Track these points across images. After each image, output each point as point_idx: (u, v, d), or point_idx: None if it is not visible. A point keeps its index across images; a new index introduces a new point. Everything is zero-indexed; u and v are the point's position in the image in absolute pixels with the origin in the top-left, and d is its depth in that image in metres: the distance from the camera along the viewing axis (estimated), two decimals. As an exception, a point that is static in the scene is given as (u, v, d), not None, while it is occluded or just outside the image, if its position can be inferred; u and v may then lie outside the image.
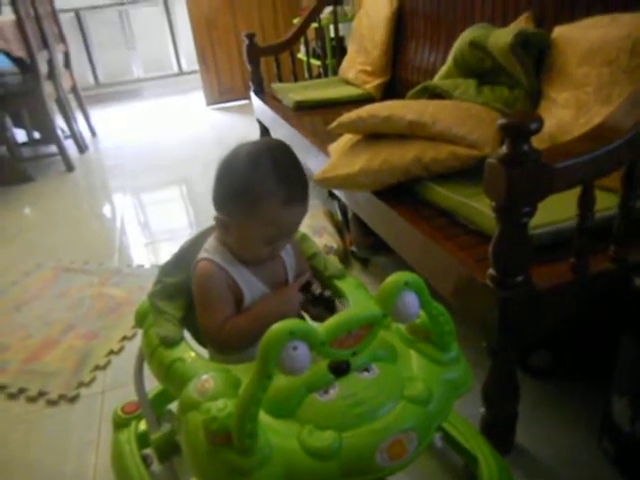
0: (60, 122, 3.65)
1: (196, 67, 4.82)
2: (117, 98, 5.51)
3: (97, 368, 1.54)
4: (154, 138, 4.04)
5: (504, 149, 0.84)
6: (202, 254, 0.93)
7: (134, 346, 1.58)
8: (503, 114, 1.42)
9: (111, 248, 2.29)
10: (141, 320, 0.99)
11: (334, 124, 1.52)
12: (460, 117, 1.38)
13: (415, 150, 1.35)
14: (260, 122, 2.91)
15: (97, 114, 4.65)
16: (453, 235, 1.19)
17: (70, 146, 3.68)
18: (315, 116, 2.34)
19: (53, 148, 3.44)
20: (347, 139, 1.55)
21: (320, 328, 0.64)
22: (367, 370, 0.72)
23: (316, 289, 0.91)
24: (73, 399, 1.43)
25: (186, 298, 0.97)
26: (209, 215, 0.93)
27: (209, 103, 4.79)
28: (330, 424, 0.66)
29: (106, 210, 2.87)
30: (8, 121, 3.57)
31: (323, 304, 0.91)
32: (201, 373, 0.78)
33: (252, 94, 2.92)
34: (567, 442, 1.11)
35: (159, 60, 5.79)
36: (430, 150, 1.33)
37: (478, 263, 1.06)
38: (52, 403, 1.42)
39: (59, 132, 3.45)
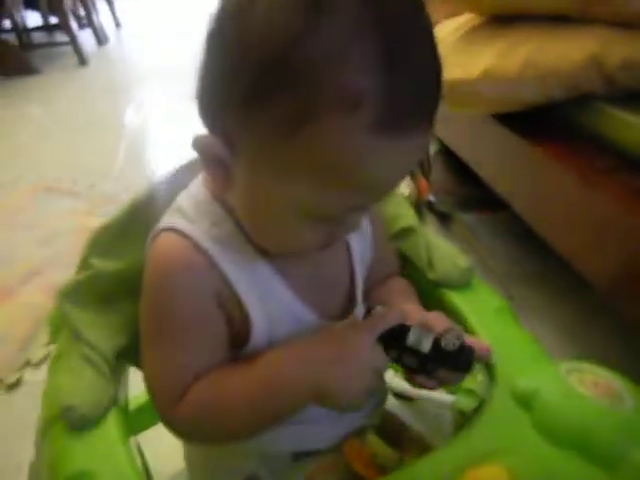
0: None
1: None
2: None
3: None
4: (191, 38, 3.41)
5: None
6: (170, 217, 0.42)
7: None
8: None
9: (110, 166, 1.79)
10: (56, 333, 0.51)
11: (440, -7, 0.91)
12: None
13: (591, 44, 0.75)
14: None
15: (125, 2, 4.02)
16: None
17: (88, 37, 3.12)
18: None
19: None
20: (459, 22, 0.95)
21: None
22: None
23: (424, 343, 0.38)
24: (12, 386, 0.99)
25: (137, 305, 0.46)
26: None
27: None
28: None
29: (115, 118, 2.34)
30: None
31: (445, 364, 0.39)
32: None
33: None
34: None
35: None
36: (619, 45, 0.74)
37: None
38: (-20, 388, 0.98)
39: (73, 18, 2.89)
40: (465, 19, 0.94)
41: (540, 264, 1.11)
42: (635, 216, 0.62)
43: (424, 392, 0.77)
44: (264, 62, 0.30)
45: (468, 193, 1.22)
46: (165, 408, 0.39)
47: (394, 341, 0.38)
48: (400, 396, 0.82)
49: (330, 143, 0.31)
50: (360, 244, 0.47)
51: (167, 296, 0.38)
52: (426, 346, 0.38)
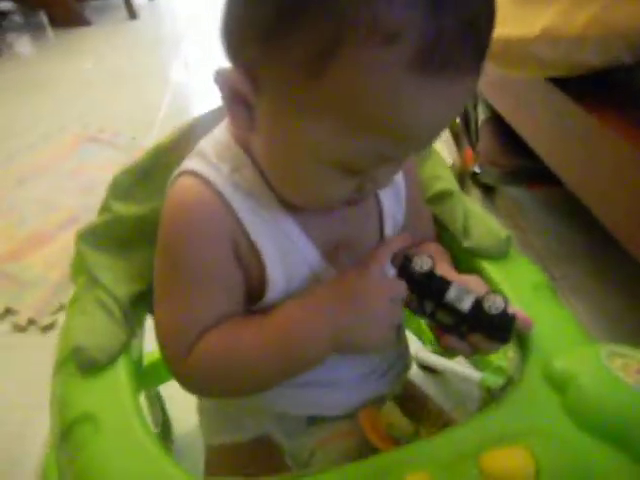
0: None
1: None
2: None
3: (89, 286, 1.10)
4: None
5: None
6: (191, 160, 0.39)
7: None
8: None
9: (152, 120, 1.79)
10: (77, 276, 0.50)
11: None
12: None
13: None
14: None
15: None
16: None
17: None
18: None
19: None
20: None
21: None
22: None
23: (464, 302, 0.36)
24: (46, 329, 1.01)
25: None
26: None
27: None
28: None
29: (161, 73, 2.33)
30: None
31: (482, 328, 0.36)
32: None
33: None
34: None
35: None
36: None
37: None
38: (17, 328, 1.01)
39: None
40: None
41: (591, 245, 1.04)
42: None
43: (451, 365, 0.74)
44: (289, 15, 0.28)
45: (517, 165, 1.15)
46: (174, 359, 0.38)
47: (432, 294, 0.35)
48: (426, 368, 0.80)
49: (361, 80, 0.27)
50: (393, 203, 0.43)
51: (181, 241, 0.37)
52: (466, 305, 0.35)
